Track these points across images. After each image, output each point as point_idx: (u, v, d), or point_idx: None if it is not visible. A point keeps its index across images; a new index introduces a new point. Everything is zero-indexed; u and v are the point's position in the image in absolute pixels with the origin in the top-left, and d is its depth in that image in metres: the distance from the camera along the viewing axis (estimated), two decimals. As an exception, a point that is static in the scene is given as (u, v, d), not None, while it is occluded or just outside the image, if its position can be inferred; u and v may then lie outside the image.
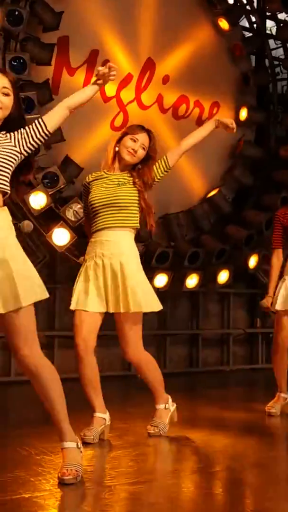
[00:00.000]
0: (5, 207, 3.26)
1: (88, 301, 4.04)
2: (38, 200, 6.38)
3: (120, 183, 4.15)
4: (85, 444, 3.94)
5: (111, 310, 4.07)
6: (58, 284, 6.96)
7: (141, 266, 4.19)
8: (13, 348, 3.16)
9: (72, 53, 6.97)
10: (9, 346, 3.19)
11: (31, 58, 6.45)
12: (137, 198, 4.15)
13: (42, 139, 3.36)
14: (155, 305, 4.20)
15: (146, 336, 7.44)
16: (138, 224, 4.23)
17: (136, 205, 4.18)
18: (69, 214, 6.59)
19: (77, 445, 3.32)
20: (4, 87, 3.24)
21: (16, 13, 6.29)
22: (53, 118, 3.44)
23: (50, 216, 6.55)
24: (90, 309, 4.05)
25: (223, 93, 8.13)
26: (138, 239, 7.06)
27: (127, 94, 7.38)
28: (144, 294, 4.07)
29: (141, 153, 4.20)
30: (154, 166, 4.26)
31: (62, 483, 3.15)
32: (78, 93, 3.61)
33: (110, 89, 7.20)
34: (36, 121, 3.40)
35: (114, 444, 4.09)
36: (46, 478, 3.27)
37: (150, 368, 4.34)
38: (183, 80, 7.67)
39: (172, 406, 4.43)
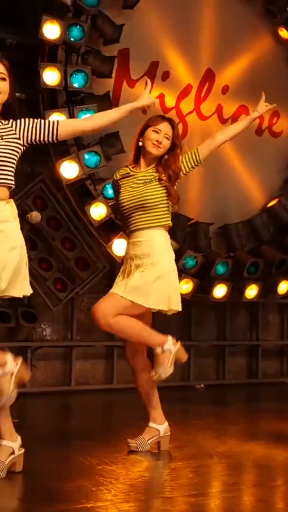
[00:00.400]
0: (11, 200, 3.34)
1: None
2: (98, 211, 6.44)
3: (146, 181, 4.07)
4: (134, 452, 3.97)
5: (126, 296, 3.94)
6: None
7: (172, 265, 4.09)
8: None
9: (132, 65, 7.04)
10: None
11: (92, 71, 6.54)
12: (165, 195, 4.07)
13: (47, 142, 3.40)
14: (151, 302, 3.94)
15: (205, 347, 7.52)
16: (169, 222, 4.14)
17: (165, 203, 4.08)
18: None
19: None
20: (1, 73, 3.31)
21: (78, 27, 6.42)
22: (69, 128, 3.49)
23: (110, 227, 6.61)
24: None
25: (283, 103, 8.06)
26: (197, 249, 7.18)
27: (187, 105, 7.40)
28: (144, 286, 3.92)
29: (166, 143, 4.11)
30: (184, 158, 4.17)
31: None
32: (111, 112, 3.73)
33: (170, 100, 7.24)
34: (52, 124, 3.45)
35: (174, 455, 4.09)
36: (108, 488, 3.30)
37: (128, 324, 3.98)
38: (243, 90, 7.65)
39: (163, 432, 4.14)
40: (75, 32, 6.39)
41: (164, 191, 4.07)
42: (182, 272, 6.82)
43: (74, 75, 6.41)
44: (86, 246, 6.59)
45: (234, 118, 7.66)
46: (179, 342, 4.09)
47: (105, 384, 6.91)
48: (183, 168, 4.17)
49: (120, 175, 4.19)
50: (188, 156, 4.19)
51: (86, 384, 6.87)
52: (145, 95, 3.98)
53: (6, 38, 6.53)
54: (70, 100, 6.48)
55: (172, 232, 6.98)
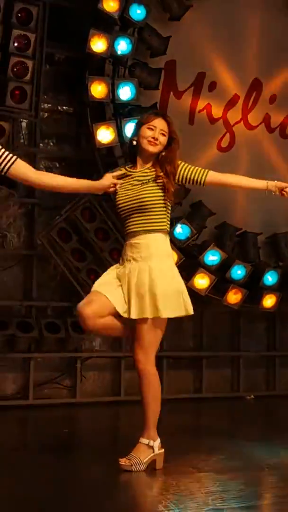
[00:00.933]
0: None
1: (110, 290, 3.87)
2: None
3: (144, 181, 3.94)
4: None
5: (133, 316, 3.82)
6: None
7: (173, 269, 3.97)
8: None
9: (179, 76, 7.07)
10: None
11: (139, 83, 6.60)
12: (162, 196, 3.92)
13: None
14: (171, 311, 3.88)
15: (255, 357, 7.47)
16: (167, 227, 3.98)
17: (162, 204, 3.94)
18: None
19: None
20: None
21: (125, 40, 6.49)
22: (21, 171, 3.58)
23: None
24: (110, 296, 3.85)
25: None
26: (246, 259, 7.14)
27: (234, 115, 7.39)
28: (164, 299, 3.82)
29: (163, 139, 3.97)
30: (188, 168, 3.98)
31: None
32: (69, 180, 3.88)
33: (217, 110, 7.26)
34: (9, 158, 3.54)
35: (223, 466, 4.06)
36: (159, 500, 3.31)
37: (152, 389, 3.95)
38: (291, 99, 7.63)
39: (157, 449, 3.89)
40: (122, 45, 6.47)
41: (161, 192, 3.92)
42: (231, 283, 6.81)
43: (121, 88, 6.49)
44: (120, 236, 6.59)
45: (282, 128, 7.64)
46: (162, 449, 3.92)
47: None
48: (179, 175, 3.98)
49: (116, 176, 4.02)
50: (194, 170, 4.00)
51: (135, 395, 6.87)
52: (106, 176, 3.96)
53: (54, 52, 6.67)
54: (118, 113, 6.54)
55: (220, 242, 7.05)
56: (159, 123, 3.98)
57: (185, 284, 6.71)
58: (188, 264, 6.59)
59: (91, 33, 6.31)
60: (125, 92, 6.50)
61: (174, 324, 7.05)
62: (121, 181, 3.99)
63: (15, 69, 6.13)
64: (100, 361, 6.78)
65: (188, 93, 7.12)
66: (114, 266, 4.07)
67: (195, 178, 3.99)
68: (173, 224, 6.69)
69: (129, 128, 6.47)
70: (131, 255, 3.91)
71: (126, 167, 4.10)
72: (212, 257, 6.78)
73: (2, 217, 6.44)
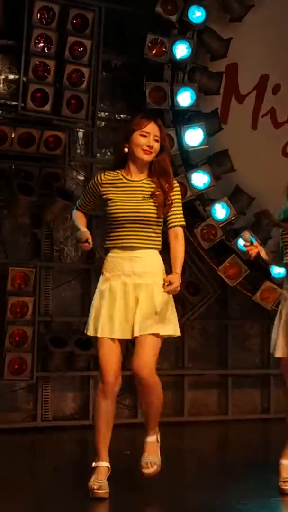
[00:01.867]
0: None
1: (114, 327, 3.75)
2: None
3: (145, 196, 3.80)
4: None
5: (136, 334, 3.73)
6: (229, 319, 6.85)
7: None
8: None
9: (241, 79, 6.87)
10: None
11: (199, 88, 6.43)
12: (160, 213, 3.81)
13: None
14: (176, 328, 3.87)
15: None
16: (160, 247, 3.87)
17: (161, 222, 3.85)
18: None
19: None
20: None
21: (184, 44, 6.35)
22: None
23: (221, 250, 6.45)
24: (117, 336, 3.76)
25: None
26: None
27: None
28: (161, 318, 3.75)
29: (156, 146, 3.81)
30: (172, 210, 3.85)
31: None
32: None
33: (282, 114, 7.03)
34: None
35: None
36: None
37: (157, 396, 3.85)
38: None
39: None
40: (181, 50, 6.32)
41: (160, 208, 3.80)
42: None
43: (180, 94, 6.34)
44: (197, 269, 6.45)
45: None
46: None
47: (219, 415, 6.71)
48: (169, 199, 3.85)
49: (107, 179, 3.87)
50: (173, 212, 3.85)
51: (199, 415, 6.69)
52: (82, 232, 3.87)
53: (111, 59, 6.57)
54: (177, 119, 6.40)
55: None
56: (152, 129, 3.82)
57: (251, 297, 6.55)
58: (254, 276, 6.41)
59: (149, 37, 6.20)
60: (185, 98, 6.34)
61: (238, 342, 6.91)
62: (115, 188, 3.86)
63: (71, 78, 6.05)
64: (162, 379, 6.60)
65: (250, 96, 6.91)
66: (101, 283, 3.87)
67: (167, 219, 3.86)
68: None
69: (189, 136, 6.33)
70: (131, 269, 3.76)
71: (121, 172, 3.88)
72: (279, 269, 6.52)
73: (59, 231, 6.35)
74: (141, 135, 3.80)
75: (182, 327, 6.46)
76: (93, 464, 3.79)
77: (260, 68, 6.94)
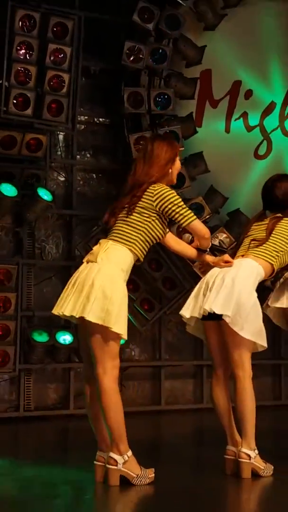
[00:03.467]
0: None
1: None
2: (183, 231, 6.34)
3: None
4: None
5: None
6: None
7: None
8: None
9: (214, 85, 6.90)
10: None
11: (175, 93, 6.45)
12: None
13: None
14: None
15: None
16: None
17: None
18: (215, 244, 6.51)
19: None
20: None
21: (160, 51, 6.35)
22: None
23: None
24: None
25: None
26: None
27: (271, 122, 7.20)
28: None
29: None
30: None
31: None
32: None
33: (253, 118, 7.08)
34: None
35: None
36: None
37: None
38: None
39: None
40: (157, 57, 6.35)
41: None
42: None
43: (157, 98, 6.35)
44: (173, 266, 6.48)
45: None
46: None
47: (195, 404, 6.75)
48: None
49: None
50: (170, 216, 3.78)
51: (176, 404, 6.74)
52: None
53: (90, 65, 6.58)
54: (154, 123, 6.42)
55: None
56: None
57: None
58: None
59: (126, 45, 6.21)
60: (161, 103, 6.37)
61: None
62: None
63: (51, 83, 6.04)
64: (139, 370, 6.65)
65: (224, 101, 6.95)
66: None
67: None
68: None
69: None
70: None
71: None
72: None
73: (40, 229, 6.37)
74: (180, 159, 3.90)
75: (159, 320, 6.62)
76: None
77: (233, 74, 6.97)
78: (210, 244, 3.96)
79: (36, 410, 6.17)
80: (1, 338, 5.84)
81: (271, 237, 4.00)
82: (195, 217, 3.77)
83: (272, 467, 3.86)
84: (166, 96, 6.35)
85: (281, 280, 4.24)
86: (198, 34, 6.72)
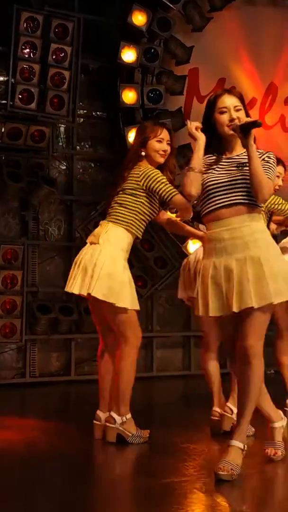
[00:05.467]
0: None
1: None
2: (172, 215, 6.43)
3: None
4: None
5: None
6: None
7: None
8: None
9: (201, 82, 6.97)
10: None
11: (166, 89, 6.54)
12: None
13: None
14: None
15: None
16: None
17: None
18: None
19: (243, 447, 3.04)
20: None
21: (152, 50, 6.43)
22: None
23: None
24: None
25: None
26: None
27: (252, 116, 7.18)
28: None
29: (169, 149, 3.89)
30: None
31: (217, 478, 2.93)
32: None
33: (236, 112, 7.14)
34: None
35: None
36: (193, 465, 3.27)
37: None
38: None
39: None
40: (150, 56, 6.41)
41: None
42: None
43: (149, 94, 6.43)
44: (164, 246, 6.57)
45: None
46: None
47: (183, 371, 6.89)
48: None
49: None
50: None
51: (166, 371, 6.87)
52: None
53: (88, 63, 6.63)
54: (147, 117, 6.49)
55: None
56: (165, 135, 3.88)
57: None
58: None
59: (122, 44, 6.27)
60: (153, 98, 6.44)
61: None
62: None
63: (53, 79, 6.12)
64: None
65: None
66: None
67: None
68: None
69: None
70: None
71: None
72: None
73: (44, 213, 6.45)
74: (157, 141, 3.85)
75: (151, 296, 6.71)
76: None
77: (218, 72, 7.04)
78: (191, 215, 3.93)
79: (40, 376, 6.28)
80: (9, 311, 5.94)
81: None
82: (176, 191, 3.77)
83: (145, 437, 3.76)
84: (158, 92, 6.44)
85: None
86: (186, 35, 6.79)
